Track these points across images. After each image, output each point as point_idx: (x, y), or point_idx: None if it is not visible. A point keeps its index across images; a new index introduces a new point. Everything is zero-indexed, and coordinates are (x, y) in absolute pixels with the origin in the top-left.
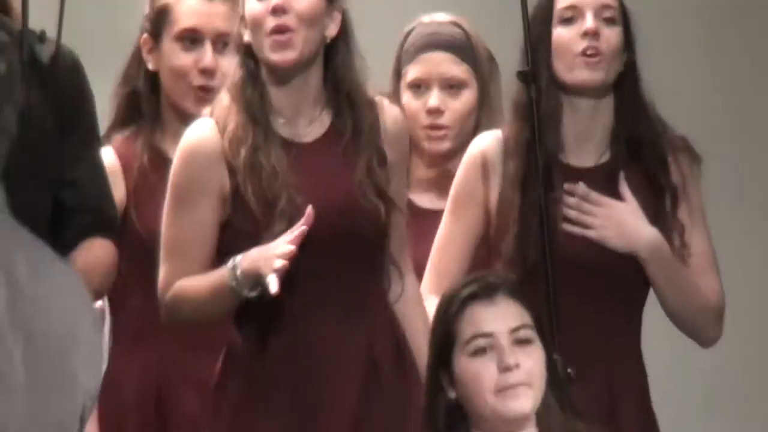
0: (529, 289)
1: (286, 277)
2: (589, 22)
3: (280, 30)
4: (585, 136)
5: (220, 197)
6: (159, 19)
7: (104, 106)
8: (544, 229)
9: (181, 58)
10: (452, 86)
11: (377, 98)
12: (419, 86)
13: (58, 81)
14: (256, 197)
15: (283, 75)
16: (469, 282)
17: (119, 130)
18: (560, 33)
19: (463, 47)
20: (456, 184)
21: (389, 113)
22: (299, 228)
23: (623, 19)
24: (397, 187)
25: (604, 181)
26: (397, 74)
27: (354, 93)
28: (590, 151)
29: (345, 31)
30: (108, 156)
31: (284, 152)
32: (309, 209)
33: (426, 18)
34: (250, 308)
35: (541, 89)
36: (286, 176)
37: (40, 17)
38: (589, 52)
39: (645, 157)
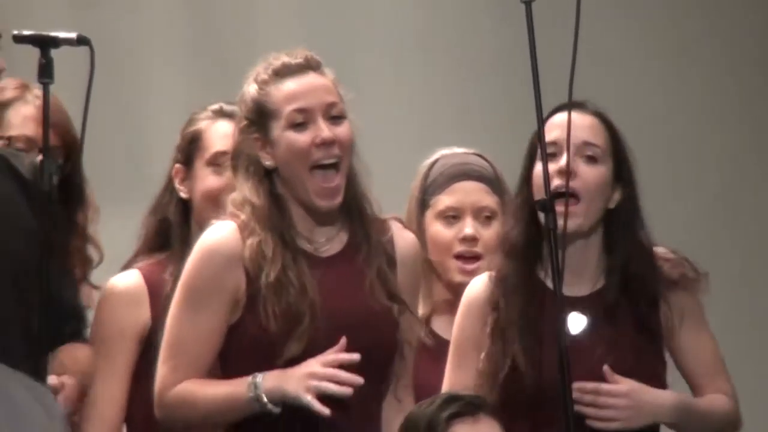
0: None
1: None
2: (563, 160)
3: (330, 158)
4: (577, 270)
5: (233, 300)
6: (190, 146)
7: (124, 234)
8: (564, 374)
9: (213, 181)
10: (485, 216)
11: (391, 221)
12: (452, 216)
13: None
14: (280, 313)
15: (317, 210)
16: (448, 401)
17: (146, 257)
18: (537, 169)
19: (492, 179)
20: (455, 333)
21: (403, 236)
22: (334, 355)
23: (616, 156)
24: (411, 307)
25: (597, 308)
26: (422, 205)
27: (367, 216)
28: (584, 281)
29: (358, 161)
30: (134, 278)
31: (308, 267)
32: (342, 340)
33: (446, 150)
34: (252, 419)
35: (556, 220)
36: (313, 294)
37: None
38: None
39: (635, 295)
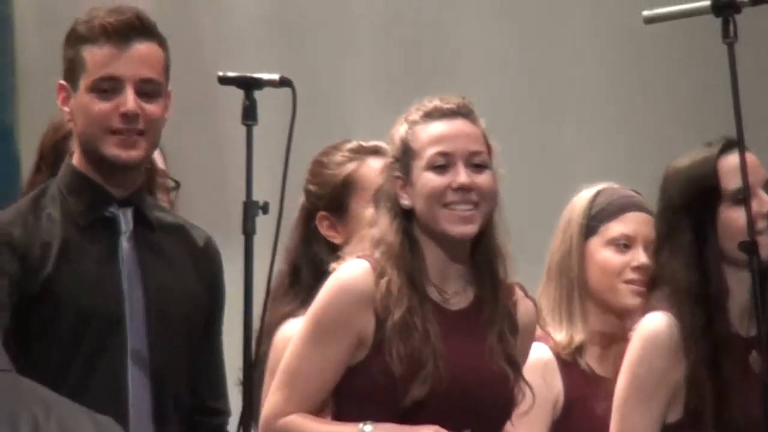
0: None
1: None
2: (765, 202)
3: (466, 203)
4: (748, 307)
5: (358, 340)
6: (343, 190)
7: None
8: None
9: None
10: (651, 249)
11: (515, 286)
12: (623, 244)
13: (211, 265)
14: (403, 356)
15: (453, 245)
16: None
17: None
18: (735, 216)
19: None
20: (637, 368)
21: (525, 303)
22: None
23: None
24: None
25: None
26: (587, 231)
27: (498, 276)
28: (752, 320)
29: (500, 217)
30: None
31: (434, 317)
32: None
33: (602, 185)
34: None
35: (760, 261)
36: (436, 341)
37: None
38: None
39: None
